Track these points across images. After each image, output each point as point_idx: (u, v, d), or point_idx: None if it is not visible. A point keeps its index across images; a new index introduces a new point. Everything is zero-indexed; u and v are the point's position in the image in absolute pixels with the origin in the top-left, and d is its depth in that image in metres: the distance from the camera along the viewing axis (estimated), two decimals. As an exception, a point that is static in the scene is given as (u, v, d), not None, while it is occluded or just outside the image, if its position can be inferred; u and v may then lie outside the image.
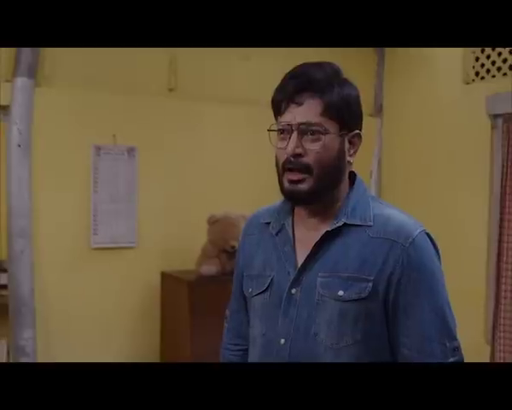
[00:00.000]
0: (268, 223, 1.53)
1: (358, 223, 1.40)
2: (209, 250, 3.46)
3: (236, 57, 3.84)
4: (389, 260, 1.36)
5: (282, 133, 1.40)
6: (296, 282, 1.42)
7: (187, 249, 3.64)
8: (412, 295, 1.35)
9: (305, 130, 1.36)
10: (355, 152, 1.45)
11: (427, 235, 1.41)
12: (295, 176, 1.38)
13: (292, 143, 1.36)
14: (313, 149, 1.36)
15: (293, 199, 1.43)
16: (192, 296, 3.33)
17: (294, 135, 1.37)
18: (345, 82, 1.42)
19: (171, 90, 3.71)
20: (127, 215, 3.56)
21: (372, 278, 1.36)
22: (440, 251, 1.44)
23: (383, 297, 1.36)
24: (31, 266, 3.27)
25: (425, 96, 4.15)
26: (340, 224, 1.40)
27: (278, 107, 1.40)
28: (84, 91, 3.44)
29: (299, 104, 1.37)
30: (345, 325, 1.36)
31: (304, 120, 1.36)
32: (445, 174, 3.98)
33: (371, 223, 1.40)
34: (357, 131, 1.44)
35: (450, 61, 3.93)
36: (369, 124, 4.46)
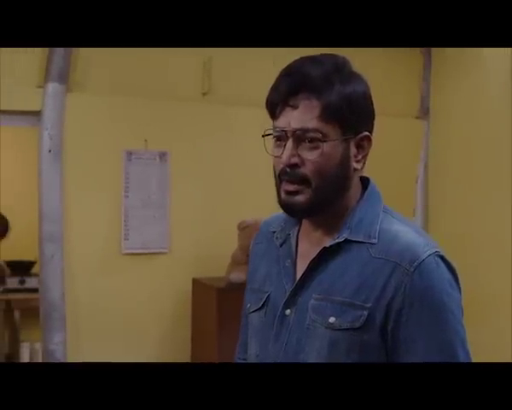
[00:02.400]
0: (275, 232, 1.41)
1: (361, 239, 1.24)
2: (239, 257, 3.38)
3: (271, 61, 3.75)
4: (390, 285, 1.19)
5: (278, 140, 1.26)
6: (291, 302, 1.28)
7: (220, 255, 3.57)
8: (415, 329, 1.18)
9: (301, 136, 1.21)
10: (364, 157, 1.28)
11: (442, 258, 1.22)
12: (291, 187, 1.24)
13: (287, 152, 1.22)
14: (311, 159, 1.21)
15: (290, 211, 1.29)
16: (221, 304, 3.26)
17: (290, 143, 1.22)
18: (349, 76, 1.25)
19: (204, 94, 3.66)
20: (159, 221, 3.53)
21: (368, 306, 1.19)
22: (460, 279, 1.25)
23: (381, 327, 1.19)
24: (61, 270, 3.28)
25: (473, 98, 3.94)
26: (341, 240, 1.25)
27: (273, 110, 1.26)
28: (116, 96, 3.43)
29: (294, 107, 1.22)
30: (336, 356, 1.21)
31: (299, 126, 1.21)
32: (494, 179, 3.75)
33: (375, 240, 1.23)
34: (366, 133, 1.27)
35: (499, 61, 3.71)
36: (414, 127, 4.30)
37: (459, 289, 1.25)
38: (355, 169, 1.28)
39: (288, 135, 1.22)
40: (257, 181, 3.73)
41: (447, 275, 1.22)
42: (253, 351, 1.38)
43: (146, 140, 3.50)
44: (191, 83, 3.64)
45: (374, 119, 1.31)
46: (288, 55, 3.98)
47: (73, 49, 3.27)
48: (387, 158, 4.18)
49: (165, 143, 3.55)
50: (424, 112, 4.31)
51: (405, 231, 1.25)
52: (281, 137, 1.25)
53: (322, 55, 1.29)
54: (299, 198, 1.24)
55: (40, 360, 3.54)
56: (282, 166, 1.24)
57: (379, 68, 4.11)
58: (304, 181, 1.23)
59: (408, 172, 4.28)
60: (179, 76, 3.61)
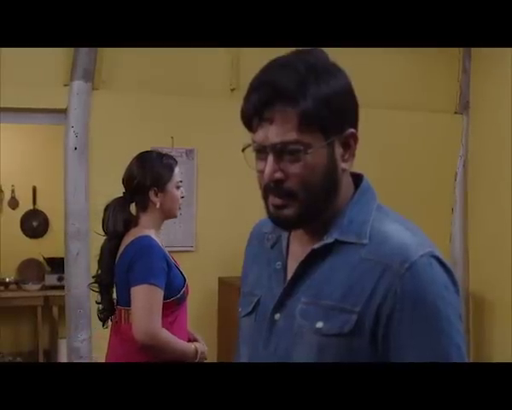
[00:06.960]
0: (267, 233, 1.33)
1: (351, 240, 1.16)
2: (264, 256, 3.31)
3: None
4: (379, 288, 1.10)
5: (258, 152, 1.18)
6: (280, 306, 1.21)
7: (248, 254, 3.51)
8: (406, 337, 1.10)
9: (281, 150, 1.13)
10: (351, 155, 1.19)
11: (436, 259, 1.13)
12: (278, 201, 1.16)
13: (268, 168, 1.14)
14: (294, 172, 1.14)
15: (279, 225, 1.22)
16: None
17: (270, 158, 1.14)
18: (325, 73, 1.15)
19: (232, 90, 3.61)
20: (185, 218, 3.49)
21: (357, 310, 1.11)
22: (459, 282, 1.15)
23: (371, 333, 1.11)
24: (86, 268, 3.28)
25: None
26: (330, 241, 1.17)
27: (249, 123, 1.17)
28: (142, 93, 3.42)
29: (270, 121, 1.13)
30: None
31: (278, 140, 1.12)
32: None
33: (366, 241, 1.15)
34: (351, 130, 1.17)
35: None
36: (453, 121, 4.14)
37: (457, 292, 1.15)
38: (343, 170, 1.19)
39: (268, 150, 1.14)
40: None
41: (442, 277, 1.12)
42: (244, 358, 1.32)
43: (172, 137, 3.47)
44: (219, 79, 3.60)
45: (357, 112, 1.21)
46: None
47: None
48: (425, 154, 4.05)
49: (192, 141, 3.52)
50: (463, 106, 4.14)
51: (398, 231, 1.16)
52: (261, 151, 1.17)
53: (292, 55, 1.18)
54: (287, 212, 1.17)
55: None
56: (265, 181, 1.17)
57: (416, 63, 3.97)
58: (290, 195, 1.15)
59: (447, 168, 4.13)
60: (207, 72, 3.57)
